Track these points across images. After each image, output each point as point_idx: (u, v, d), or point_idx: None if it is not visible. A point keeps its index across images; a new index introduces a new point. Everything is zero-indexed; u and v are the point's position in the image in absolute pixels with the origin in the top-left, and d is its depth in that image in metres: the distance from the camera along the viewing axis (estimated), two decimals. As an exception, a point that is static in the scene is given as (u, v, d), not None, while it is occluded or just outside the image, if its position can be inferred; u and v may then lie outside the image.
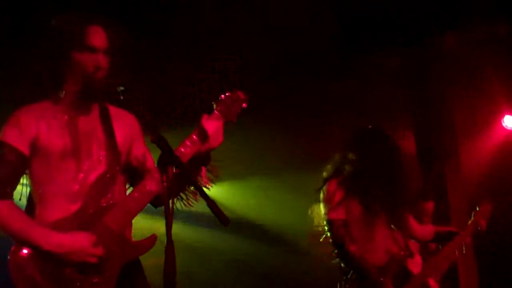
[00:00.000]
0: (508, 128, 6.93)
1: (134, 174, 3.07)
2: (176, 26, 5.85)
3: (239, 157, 6.95)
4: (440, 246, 4.83)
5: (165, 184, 2.45)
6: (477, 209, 4.84)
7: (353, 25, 6.14)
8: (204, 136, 2.96)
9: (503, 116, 6.93)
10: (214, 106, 3.07)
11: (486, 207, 4.85)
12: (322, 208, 4.42)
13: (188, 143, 2.96)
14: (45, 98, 2.99)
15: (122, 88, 2.74)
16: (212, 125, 2.99)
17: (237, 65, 6.10)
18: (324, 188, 4.44)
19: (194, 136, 2.97)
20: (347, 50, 6.33)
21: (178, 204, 3.06)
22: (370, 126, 4.64)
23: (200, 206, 2.80)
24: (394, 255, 4.37)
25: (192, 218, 6.67)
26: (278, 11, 5.89)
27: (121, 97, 2.75)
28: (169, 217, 2.47)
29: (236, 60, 6.07)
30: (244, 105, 3.11)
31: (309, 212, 4.57)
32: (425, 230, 4.78)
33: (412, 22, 6.15)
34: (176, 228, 2.52)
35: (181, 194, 3.09)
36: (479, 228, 4.77)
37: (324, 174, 4.55)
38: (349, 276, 4.32)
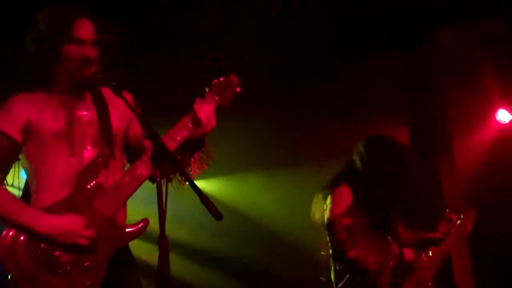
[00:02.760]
0: (502, 123, 6.91)
1: (135, 154, 3.05)
2: (176, 25, 5.85)
3: (237, 153, 6.97)
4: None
5: (158, 179, 2.46)
6: (461, 216, 4.79)
7: (352, 25, 6.14)
8: (196, 121, 2.95)
9: (497, 111, 6.90)
10: (207, 90, 3.05)
11: (470, 214, 4.80)
12: (328, 210, 4.41)
13: (181, 127, 2.95)
14: (35, 89, 2.99)
15: (114, 83, 2.74)
16: (205, 109, 2.97)
17: (237, 64, 6.10)
18: (334, 190, 4.45)
19: (187, 121, 2.96)
20: (346, 49, 6.33)
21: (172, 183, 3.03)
22: (380, 135, 4.67)
23: (195, 203, 2.78)
24: (392, 263, 4.38)
25: (187, 216, 6.67)
26: (278, 11, 5.90)
27: (113, 93, 2.74)
28: (162, 212, 2.46)
29: (236, 60, 6.08)
30: (238, 89, 3.08)
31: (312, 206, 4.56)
32: (408, 236, 4.74)
33: (408, 20, 6.15)
34: (171, 225, 2.51)
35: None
36: (464, 234, 4.72)
37: (334, 176, 4.56)
38: (345, 279, 4.33)
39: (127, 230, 2.92)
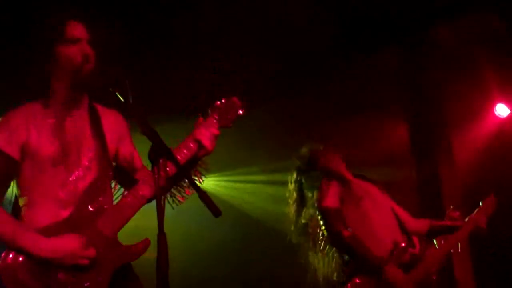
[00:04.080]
0: (501, 117, 6.91)
1: (123, 173, 3.06)
2: (176, 24, 5.86)
3: (235, 151, 6.97)
4: (435, 240, 4.79)
5: (156, 176, 2.46)
6: (481, 204, 4.76)
7: (351, 24, 6.15)
8: (199, 144, 2.97)
9: (495, 105, 6.91)
10: (209, 112, 3.06)
11: (490, 203, 4.78)
12: (315, 201, 4.50)
13: (185, 151, 2.96)
14: (34, 99, 2.96)
15: (112, 82, 2.73)
16: (206, 134, 2.99)
17: (237, 63, 6.11)
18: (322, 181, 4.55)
19: (191, 144, 2.97)
20: (345, 49, 6.34)
21: (170, 200, 3.06)
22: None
23: (191, 200, 2.79)
24: (397, 244, 4.39)
25: (183, 213, 6.68)
26: (278, 11, 5.90)
27: (111, 90, 2.73)
28: (160, 210, 2.45)
29: (236, 60, 6.09)
30: (240, 111, 3.11)
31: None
32: (419, 224, 4.77)
33: (406, 18, 6.16)
34: (168, 222, 2.50)
35: (173, 190, 3.08)
36: (479, 224, 4.70)
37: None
38: (347, 264, 4.35)
39: (128, 249, 2.89)
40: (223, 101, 3.10)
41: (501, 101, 6.85)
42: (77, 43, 2.90)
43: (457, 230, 4.65)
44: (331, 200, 4.44)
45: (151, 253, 2.63)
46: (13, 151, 2.83)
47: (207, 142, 2.97)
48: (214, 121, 3.04)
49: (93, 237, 2.79)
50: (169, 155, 2.58)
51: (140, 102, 2.76)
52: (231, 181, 7.95)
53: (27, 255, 2.70)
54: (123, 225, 2.89)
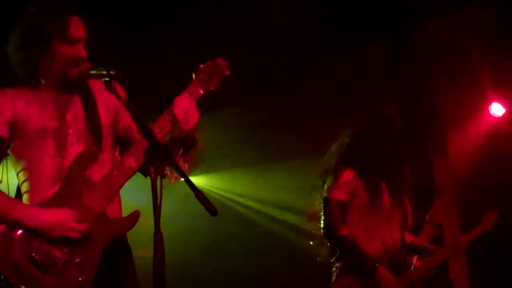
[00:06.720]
0: (496, 116, 6.92)
1: (126, 146, 3.00)
2: (173, 22, 5.85)
3: (228, 148, 6.97)
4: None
5: (152, 176, 2.45)
6: (481, 218, 4.77)
7: (341, 14, 6.13)
8: (175, 116, 2.89)
9: (490, 104, 6.92)
10: (193, 76, 3.01)
11: (490, 216, 4.78)
12: (326, 189, 4.39)
13: (160, 122, 2.90)
14: (20, 86, 2.96)
15: (107, 79, 2.73)
16: (184, 103, 2.90)
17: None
18: (336, 172, 4.41)
19: (166, 116, 2.91)
20: (334, 41, 6.31)
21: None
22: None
23: (186, 199, 2.77)
24: (390, 247, 4.36)
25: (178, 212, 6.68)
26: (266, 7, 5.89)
27: (106, 89, 2.72)
28: (157, 209, 2.44)
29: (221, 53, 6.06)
30: (226, 72, 3.03)
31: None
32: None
33: (398, 9, 6.15)
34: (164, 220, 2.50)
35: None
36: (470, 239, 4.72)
37: (336, 160, 4.51)
38: (339, 261, 4.32)
39: (116, 222, 2.89)
40: (208, 63, 3.03)
41: (496, 100, 6.86)
42: (75, 45, 2.89)
43: (431, 254, 4.62)
44: (340, 191, 4.31)
45: (148, 252, 2.64)
46: (1, 129, 2.85)
47: (179, 112, 2.88)
48: (197, 87, 2.97)
49: (82, 213, 2.79)
50: (166, 155, 2.56)
51: (137, 101, 2.75)
52: (222, 179, 7.94)
53: (17, 225, 2.73)
54: (111, 199, 2.88)
